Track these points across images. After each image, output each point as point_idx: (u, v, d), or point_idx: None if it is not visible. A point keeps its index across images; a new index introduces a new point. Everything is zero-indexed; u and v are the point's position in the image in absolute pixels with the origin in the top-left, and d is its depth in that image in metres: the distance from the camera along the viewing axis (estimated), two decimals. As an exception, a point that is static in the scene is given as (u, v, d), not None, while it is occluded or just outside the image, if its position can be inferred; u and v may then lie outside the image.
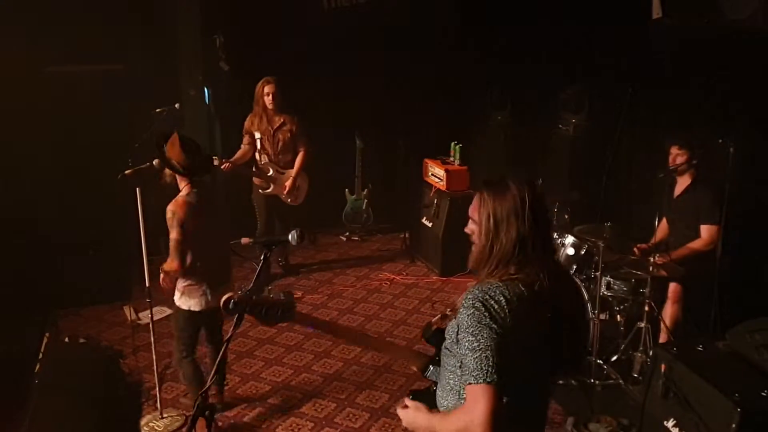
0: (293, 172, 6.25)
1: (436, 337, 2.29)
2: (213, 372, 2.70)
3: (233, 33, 7.02)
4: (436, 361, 2.32)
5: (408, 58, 7.15)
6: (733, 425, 3.18)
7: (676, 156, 4.72)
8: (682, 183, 4.81)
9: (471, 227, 2.17)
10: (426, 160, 6.97)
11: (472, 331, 1.95)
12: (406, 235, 7.25)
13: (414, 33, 7.21)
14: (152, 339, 4.34)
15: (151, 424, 4.30)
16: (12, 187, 5.41)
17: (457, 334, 2.02)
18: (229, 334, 2.41)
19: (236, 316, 2.29)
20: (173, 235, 3.77)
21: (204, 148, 4.24)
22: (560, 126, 7.03)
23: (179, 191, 3.90)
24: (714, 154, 4.60)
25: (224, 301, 2.27)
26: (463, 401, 2.03)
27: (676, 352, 3.72)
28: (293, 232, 2.65)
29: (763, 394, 3.30)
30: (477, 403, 1.92)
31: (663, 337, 4.68)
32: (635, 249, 4.91)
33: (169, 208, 3.78)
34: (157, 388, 4.40)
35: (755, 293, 4.62)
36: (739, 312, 4.24)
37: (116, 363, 5.01)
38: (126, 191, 4.17)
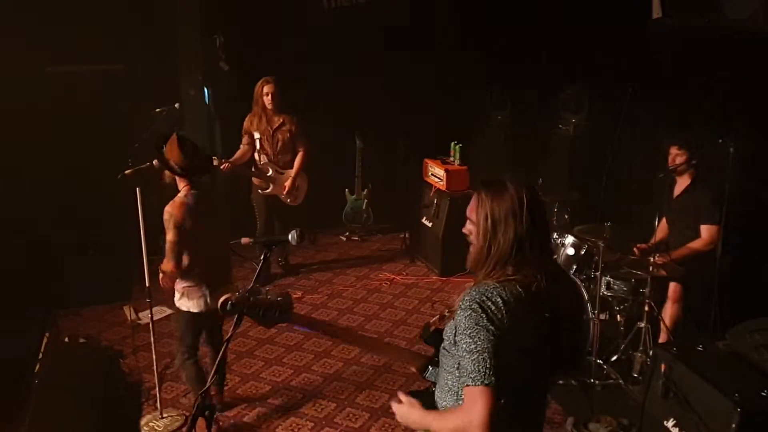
0: (293, 172, 6.25)
1: (434, 337, 2.29)
2: (213, 372, 2.70)
3: (233, 33, 7.02)
4: (434, 361, 2.32)
5: (408, 58, 7.15)
6: (733, 425, 3.18)
7: (676, 156, 4.72)
8: (682, 183, 4.81)
9: (469, 228, 2.17)
10: (426, 160, 6.97)
11: (470, 333, 1.96)
12: (406, 235, 7.25)
13: (414, 33, 7.21)
14: (152, 339, 4.34)
15: (151, 424, 4.30)
16: (12, 187, 5.41)
17: (455, 336, 2.03)
18: (229, 335, 2.41)
19: (236, 316, 2.29)
20: (169, 236, 3.78)
21: (204, 148, 4.24)
22: (560, 126, 7.02)
23: (179, 191, 3.90)
24: (714, 154, 4.60)
25: (222, 303, 2.27)
26: (461, 402, 2.03)
27: (676, 352, 3.72)
28: (293, 232, 2.65)
29: (763, 394, 3.30)
30: (475, 404, 1.92)
31: (663, 337, 4.69)
32: (635, 249, 4.91)
33: (167, 209, 3.79)
34: (157, 388, 4.40)
35: (755, 293, 4.62)
36: (739, 312, 4.24)
37: (116, 363, 5.01)
38: (126, 191, 4.17)
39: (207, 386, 2.45)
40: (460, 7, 7.36)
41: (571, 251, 5.04)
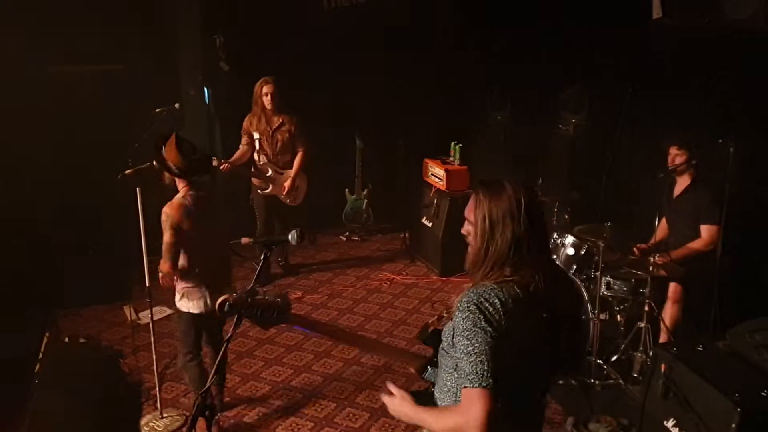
0: (292, 172, 6.25)
1: (433, 338, 2.29)
2: (213, 372, 2.70)
3: (233, 33, 7.02)
4: (433, 362, 2.32)
5: (408, 58, 7.14)
6: (733, 425, 3.18)
7: (675, 156, 4.72)
8: (682, 183, 4.81)
9: (467, 228, 2.17)
10: (426, 160, 6.97)
11: (468, 335, 1.95)
12: (406, 235, 7.25)
13: (414, 33, 7.20)
14: (152, 339, 4.34)
15: (151, 424, 4.30)
16: (12, 187, 5.40)
17: (453, 337, 2.02)
18: (229, 335, 2.41)
19: (236, 316, 2.29)
20: (165, 237, 3.78)
21: (204, 148, 4.23)
22: (560, 126, 7.03)
23: (178, 192, 3.90)
24: (714, 154, 4.59)
25: (219, 303, 2.27)
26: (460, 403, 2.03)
27: (676, 352, 3.72)
28: (293, 231, 2.65)
29: (763, 394, 3.30)
30: (473, 406, 1.92)
31: (663, 337, 4.69)
32: (635, 249, 4.91)
33: (164, 210, 3.79)
34: (157, 388, 4.40)
35: (755, 293, 4.62)
36: (739, 312, 4.24)
37: (116, 363, 5.01)
38: (126, 191, 4.17)
39: (207, 386, 2.45)
40: (460, 7, 7.35)
41: (571, 251, 5.04)
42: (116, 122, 5.64)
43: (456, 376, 2.02)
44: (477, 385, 1.92)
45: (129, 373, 4.90)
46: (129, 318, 5.49)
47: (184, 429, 4.23)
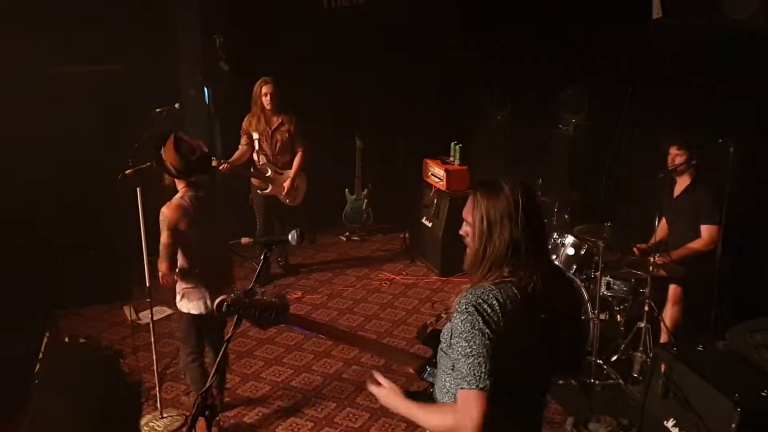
0: (292, 172, 6.25)
1: (431, 339, 2.28)
2: (213, 372, 2.69)
3: (233, 33, 7.02)
4: (432, 362, 2.32)
5: (408, 58, 7.14)
6: (733, 425, 3.18)
7: (675, 156, 4.71)
8: (682, 183, 4.81)
9: (465, 229, 2.17)
10: (426, 160, 6.97)
11: (466, 337, 1.95)
12: (406, 235, 7.25)
13: (414, 33, 7.21)
14: (152, 339, 4.34)
15: (151, 424, 4.30)
16: (12, 187, 5.41)
17: (451, 338, 2.02)
18: (229, 335, 2.40)
19: (236, 316, 2.29)
20: (162, 238, 3.78)
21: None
22: (560, 126, 7.02)
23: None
24: (714, 154, 4.60)
25: (217, 304, 2.26)
26: None
27: (676, 352, 3.72)
28: (293, 231, 2.64)
29: (763, 394, 3.30)
30: (469, 408, 1.92)
31: (663, 338, 4.68)
32: (635, 249, 4.91)
33: (162, 210, 3.79)
34: (157, 388, 4.40)
35: (755, 293, 4.62)
36: (739, 312, 4.24)
37: (116, 363, 5.01)
38: (126, 191, 4.17)
39: (207, 386, 2.44)
40: (460, 7, 7.36)
41: (571, 251, 5.04)
42: (116, 122, 5.64)
43: (453, 376, 2.02)
44: (474, 386, 1.92)
45: (129, 373, 4.90)
46: (129, 318, 5.49)
47: (184, 429, 4.23)
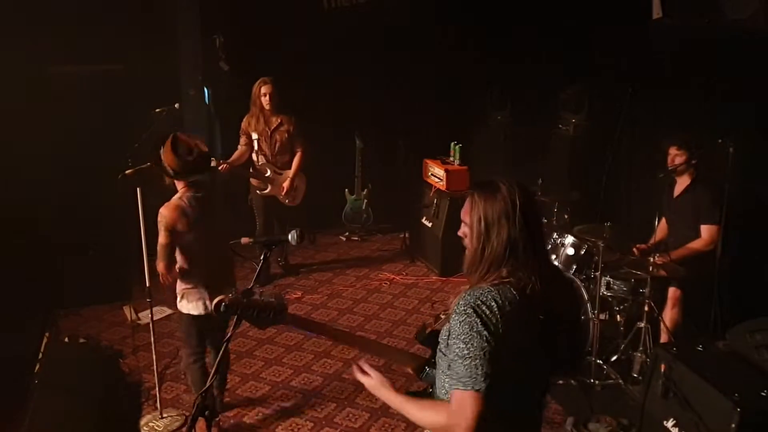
0: (291, 172, 6.25)
1: (430, 339, 2.28)
2: (213, 372, 2.69)
3: (233, 33, 7.02)
4: (431, 363, 2.32)
5: (408, 58, 7.15)
6: (733, 425, 3.18)
7: (675, 156, 4.72)
8: (682, 183, 4.81)
9: (464, 230, 2.16)
10: (426, 160, 6.97)
11: (464, 338, 1.95)
12: (406, 235, 7.25)
13: (414, 33, 7.21)
14: (152, 339, 4.34)
15: (151, 424, 4.30)
16: (12, 187, 5.41)
17: (449, 339, 2.02)
18: (228, 335, 2.40)
19: (235, 316, 2.29)
20: (160, 238, 3.78)
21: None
22: (560, 126, 7.03)
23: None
24: (714, 154, 4.60)
25: (215, 304, 2.26)
26: None
27: (676, 352, 3.72)
28: (293, 231, 2.64)
29: (763, 394, 3.30)
30: (463, 409, 1.92)
31: (663, 339, 4.68)
32: (635, 249, 4.91)
33: (161, 210, 3.78)
34: (157, 388, 4.40)
35: (755, 293, 4.62)
36: (739, 312, 4.24)
37: (116, 363, 5.01)
38: (126, 191, 4.17)
39: (207, 386, 2.44)
40: (460, 7, 7.36)
41: (571, 251, 5.04)
42: (116, 122, 5.64)
43: (449, 376, 2.02)
44: (470, 387, 1.91)
45: (129, 373, 4.90)
46: (129, 318, 5.49)
47: (184, 429, 4.23)
